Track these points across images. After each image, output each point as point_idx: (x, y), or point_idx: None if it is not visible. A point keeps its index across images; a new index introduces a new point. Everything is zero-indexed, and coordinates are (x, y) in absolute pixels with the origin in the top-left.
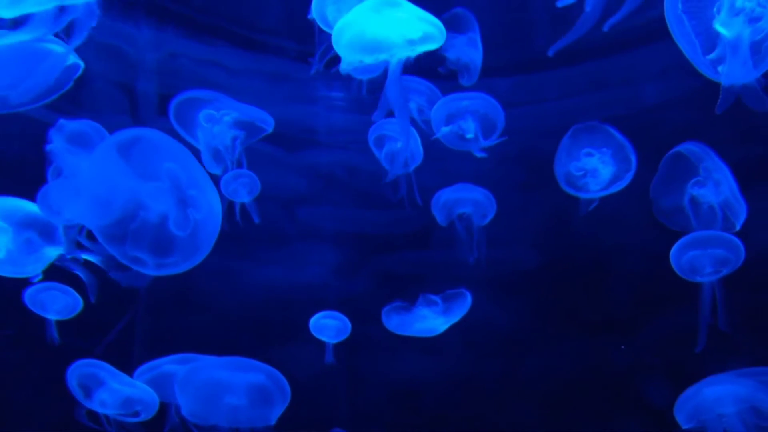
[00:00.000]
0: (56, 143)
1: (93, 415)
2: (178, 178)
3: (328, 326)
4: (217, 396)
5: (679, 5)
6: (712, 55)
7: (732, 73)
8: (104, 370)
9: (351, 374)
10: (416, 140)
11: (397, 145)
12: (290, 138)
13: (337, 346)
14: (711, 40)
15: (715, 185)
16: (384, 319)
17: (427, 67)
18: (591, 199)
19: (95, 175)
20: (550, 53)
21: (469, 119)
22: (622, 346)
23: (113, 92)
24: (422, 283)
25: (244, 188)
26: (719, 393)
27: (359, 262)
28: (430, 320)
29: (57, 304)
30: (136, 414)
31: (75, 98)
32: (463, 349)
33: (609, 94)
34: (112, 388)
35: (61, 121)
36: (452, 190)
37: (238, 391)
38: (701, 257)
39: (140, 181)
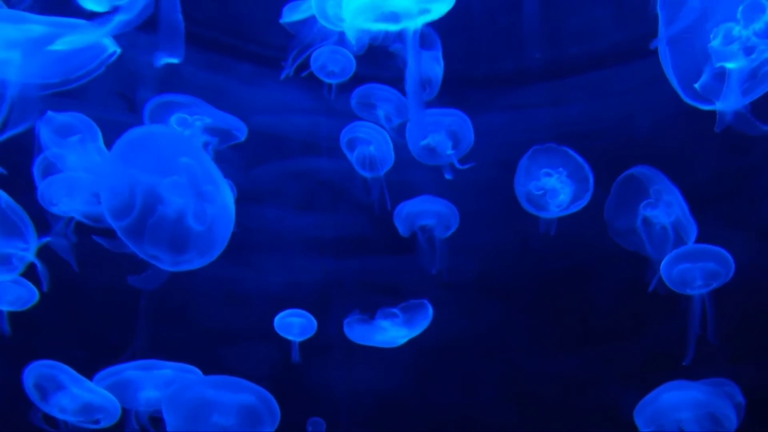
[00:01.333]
0: (44, 135)
1: (49, 419)
2: (195, 172)
3: (293, 324)
4: (204, 415)
5: (670, 32)
6: (700, 82)
7: (725, 99)
8: (64, 372)
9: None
10: (388, 145)
11: (368, 149)
12: (292, 144)
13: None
14: (699, 67)
15: (667, 206)
16: (346, 330)
17: (397, 77)
18: (551, 219)
19: (112, 171)
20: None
21: (443, 136)
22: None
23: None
24: (406, 291)
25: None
26: (677, 398)
27: (350, 269)
28: (391, 331)
29: (9, 295)
30: (96, 422)
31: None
32: (419, 360)
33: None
34: (72, 393)
35: (50, 113)
36: (415, 202)
37: (227, 411)
38: (692, 270)
39: (157, 176)
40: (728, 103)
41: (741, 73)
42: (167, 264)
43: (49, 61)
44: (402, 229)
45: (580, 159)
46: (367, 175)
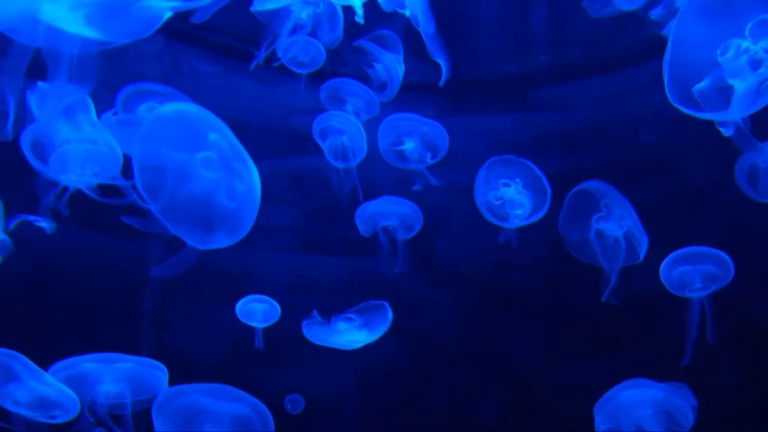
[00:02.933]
0: (34, 105)
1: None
2: (224, 149)
3: (256, 310)
4: (196, 423)
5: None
6: (699, 88)
7: (726, 111)
8: (20, 363)
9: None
10: (361, 136)
11: (341, 139)
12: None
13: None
14: (699, 77)
15: (618, 219)
16: (304, 331)
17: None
18: (512, 229)
19: (142, 147)
20: None
21: (416, 141)
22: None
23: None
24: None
25: None
26: (637, 396)
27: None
28: (350, 334)
29: None
30: (52, 417)
31: None
32: (421, 363)
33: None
34: (27, 386)
35: (40, 83)
36: (378, 202)
37: (219, 421)
38: (691, 272)
39: (187, 153)
40: (729, 115)
41: (746, 87)
42: (197, 243)
43: (111, 20)
44: (363, 229)
45: (537, 171)
46: (339, 165)
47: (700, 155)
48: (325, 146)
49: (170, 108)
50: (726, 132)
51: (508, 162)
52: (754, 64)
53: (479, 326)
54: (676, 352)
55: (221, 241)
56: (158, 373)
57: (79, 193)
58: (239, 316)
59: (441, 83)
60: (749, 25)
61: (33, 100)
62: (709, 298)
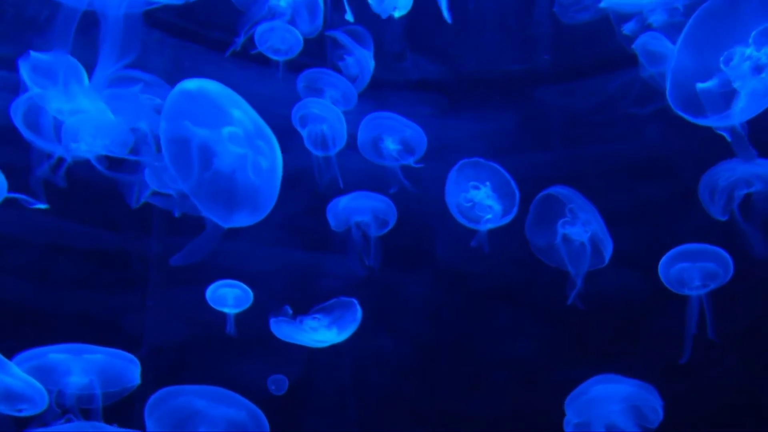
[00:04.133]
0: (25, 74)
1: None
2: (248, 126)
3: (227, 296)
4: (189, 425)
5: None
6: (705, 84)
7: (726, 115)
8: None
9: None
10: (342, 125)
11: (321, 127)
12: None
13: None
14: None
15: (584, 224)
16: (272, 328)
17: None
18: (483, 232)
19: (167, 123)
20: None
21: (396, 141)
22: None
23: None
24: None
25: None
26: (607, 392)
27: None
28: (319, 332)
29: None
30: (18, 411)
31: None
32: (425, 362)
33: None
34: None
35: (30, 51)
36: (351, 197)
37: (214, 424)
38: (690, 270)
39: (212, 128)
40: (729, 120)
41: (748, 92)
42: (221, 220)
43: None
44: (335, 224)
45: (506, 174)
46: (318, 153)
47: (706, 154)
48: (304, 133)
49: (194, 84)
50: (727, 136)
51: (478, 165)
52: (757, 70)
53: (475, 323)
54: (675, 349)
55: (243, 219)
56: (130, 364)
57: (80, 189)
58: (210, 302)
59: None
60: (753, 33)
61: (25, 70)
62: (707, 296)
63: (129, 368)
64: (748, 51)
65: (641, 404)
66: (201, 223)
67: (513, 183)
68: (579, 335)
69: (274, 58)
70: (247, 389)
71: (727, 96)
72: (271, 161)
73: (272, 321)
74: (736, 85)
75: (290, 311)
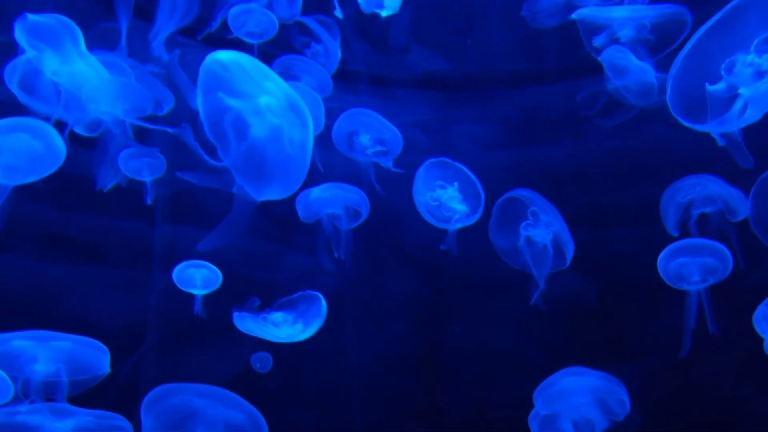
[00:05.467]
0: (21, 37)
1: None
2: (281, 97)
3: (194, 276)
4: (186, 424)
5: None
6: (713, 87)
7: (724, 121)
8: None
9: None
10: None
11: None
12: None
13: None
14: (701, 89)
15: (546, 226)
16: (236, 322)
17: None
18: (452, 232)
19: (204, 94)
20: None
21: (372, 138)
22: None
23: None
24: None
25: (147, 168)
26: (575, 383)
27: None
28: (284, 327)
29: None
30: None
31: None
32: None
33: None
34: None
35: (26, 13)
36: (323, 188)
37: (212, 425)
38: (689, 265)
39: (248, 99)
40: (728, 126)
41: (749, 98)
42: (254, 192)
43: None
44: (304, 215)
45: (471, 175)
46: None
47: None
48: None
49: (227, 55)
50: (720, 142)
51: (444, 164)
52: (758, 75)
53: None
54: (674, 343)
55: (275, 192)
56: (99, 353)
57: (82, 183)
58: (177, 284)
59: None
60: (755, 41)
61: (21, 32)
62: (706, 291)
63: (98, 356)
64: (750, 58)
65: (608, 396)
66: (202, 213)
67: (478, 184)
68: (580, 332)
69: (248, 41)
70: (247, 387)
71: (729, 102)
72: (304, 134)
73: (235, 315)
74: (740, 90)
75: (257, 303)
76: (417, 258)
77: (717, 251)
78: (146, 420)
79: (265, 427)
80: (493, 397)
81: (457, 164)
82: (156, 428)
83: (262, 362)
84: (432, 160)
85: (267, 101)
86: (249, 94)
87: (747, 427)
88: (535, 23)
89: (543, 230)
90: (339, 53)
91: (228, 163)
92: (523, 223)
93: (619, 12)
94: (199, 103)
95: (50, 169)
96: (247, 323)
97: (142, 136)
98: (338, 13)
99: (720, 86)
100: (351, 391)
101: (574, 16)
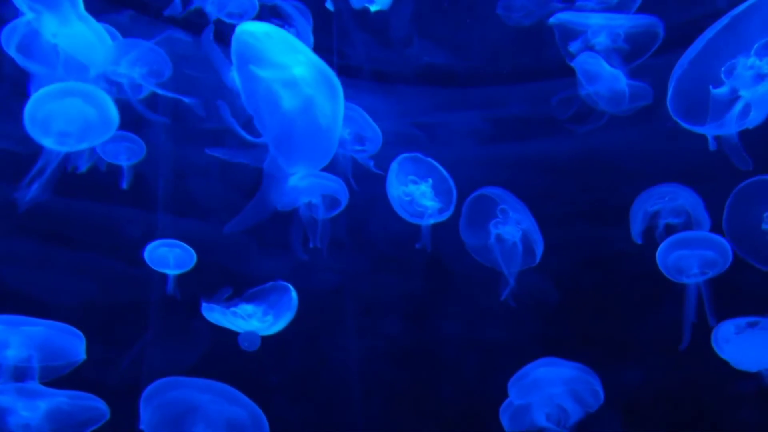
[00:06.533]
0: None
1: None
2: (312, 69)
3: (167, 256)
4: (186, 420)
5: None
6: (717, 90)
7: (723, 123)
8: None
9: None
10: None
11: None
12: None
13: None
14: (701, 91)
15: (515, 223)
16: (204, 313)
17: None
18: (426, 228)
19: (238, 64)
20: None
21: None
22: None
23: None
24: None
25: (125, 152)
26: (549, 374)
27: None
28: (255, 319)
29: None
30: None
31: None
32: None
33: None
34: None
35: None
36: (301, 176)
37: (214, 422)
38: (689, 257)
39: (280, 69)
40: (725, 128)
41: (749, 101)
42: (286, 164)
43: None
44: (280, 204)
45: (443, 171)
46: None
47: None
48: None
49: (257, 27)
50: (712, 146)
51: (417, 160)
52: (759, 78)
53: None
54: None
55: (307, 164)
56: (73, 338)
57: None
58: (149, 263)
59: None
60: (756, 45)
61: None
62: (706, 284)
63: (73, 342)
64: (750, 61)
65: (582, 387)
66: (203, 207)
67: (450, 180)
68: (580, 329)
69: (228, 21)
70: (244, 383)
71: (729, 104)
72: (335, 105)
73: (203, 306)
74: (741, 93)
75: (227, 294)
76: (404, 252)
77: (717, 244)
78: (145, 412)
79: (266, 425)
80: (493, 392)
81: (430, 160)
82: (153, 419)
83: (250, 341)
84: (405, 155)
85: (300, 72)
86: (282, 65)
87: (746, 421)
88: (510, 22)
89: (513, 228)
90: (311, 39)
91: (261, 135)
92: (493, 221)
93: (595, 19)
94: (234, 75)
95: (102, 137)
96: (215, 315)
97: (153, 106)
98: (329, 5)
99: (723, 89)
100: (351, 388)
101: (551, 20)
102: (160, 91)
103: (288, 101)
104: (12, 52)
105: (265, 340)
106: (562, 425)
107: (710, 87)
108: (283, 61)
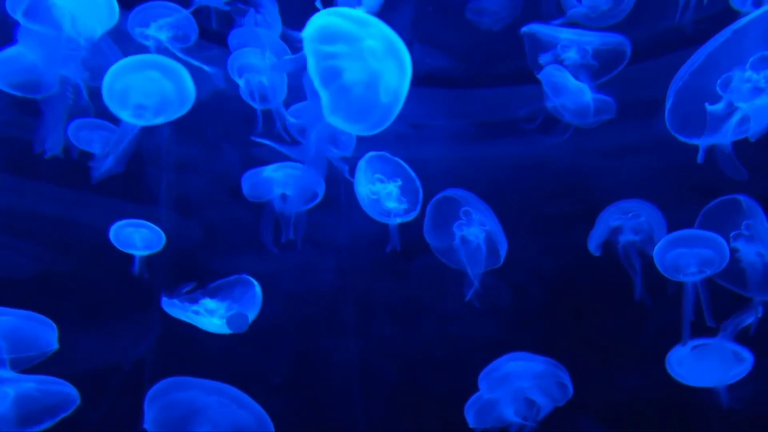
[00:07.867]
0: None
1: None
2: (383, 42)
3: (133, 236)
4: (191, 422)
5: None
6: (713, 107)
7: (718, 135)
8: None
9: None
10: (282, 76)
11: (258, 78)
12: None
13: None
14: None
15: (479, 225)
16: (165, 308)
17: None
18: (393, 227)
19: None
20: None
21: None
22: None
23: None
24: None
25: (100, 141)
26: (519, 368)
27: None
28: (215, 317)
29: None
30: None
31: None
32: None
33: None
34: None
35: None
36: (276, 167)
37: (219, 425)
38: (687, 256)
39: (349, 44)
40: (718, 139)
41: (748, 113)
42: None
43: None
44: (251, 194)
45: (410, 171)
46: (257, 107)
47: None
48: (241, 83)
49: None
50: (700, 159)
51: (384, 159)
52: (757, 91)
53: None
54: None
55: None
56: (45, 328)
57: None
58: (115, 244)
59: None
60: (751, 59)
61: None
62: (703, 283)
63: (44, 332)
64: (747, 74)
65: (552, 381)
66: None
67: (417, 181)
68: (580, 328)
69: (212, 5)
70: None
71: (726, 117)
72: (400, 81)
73: (164, 301)
74: (739, 105)
75: (188, 288)
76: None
77: (714, 242)
78: (150, 412)
79: (272, 427)
80: None
81: (397, 159)
82: (157, 420)
83: (238, 323)
84: (372, 153)
85: (371, 44)
86: (354, 37)
87: (746, 419)
88: (481, 26)
89: (477, 229)
90: (280, 27)
91: (325, 103)
92: (457, 223)
93: (566, 34)
94: (304, 46)
95: (178, 112)
96: (175, 310)
97: None
98: (318, 4)
99: (721, 103)
100: (352, 389)
101: (523, 30)
102: (183, 57)
103: (352, 74)
104: (19, 17)
105: (265, 340)
106: (530, 419)
107: (707, 100)
108: (357, 33)
